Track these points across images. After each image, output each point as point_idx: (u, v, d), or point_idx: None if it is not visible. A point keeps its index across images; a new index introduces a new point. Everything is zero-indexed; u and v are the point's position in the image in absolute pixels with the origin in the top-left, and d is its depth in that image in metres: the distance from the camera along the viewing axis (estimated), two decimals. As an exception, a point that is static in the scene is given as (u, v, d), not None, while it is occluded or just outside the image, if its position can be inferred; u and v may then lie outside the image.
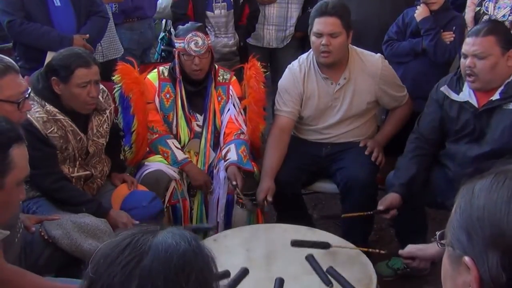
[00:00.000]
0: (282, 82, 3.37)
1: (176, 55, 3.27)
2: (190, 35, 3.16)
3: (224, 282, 2.11)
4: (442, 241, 1.02)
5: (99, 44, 4.06)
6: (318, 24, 3.11)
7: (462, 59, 2.75)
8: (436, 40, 3.47)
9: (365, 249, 2.57)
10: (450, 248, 0.97)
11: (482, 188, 0.93)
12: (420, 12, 3.54)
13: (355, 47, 3.31)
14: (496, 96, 2.72)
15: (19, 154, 1.69)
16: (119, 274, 0.97)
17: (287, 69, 3.39)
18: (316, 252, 2.48)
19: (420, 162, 2.98)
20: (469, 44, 2.70)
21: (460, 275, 0.94)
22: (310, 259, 2.43)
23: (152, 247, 1.00)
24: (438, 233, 1.03)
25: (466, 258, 0.91)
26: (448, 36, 3.50)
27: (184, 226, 3.08)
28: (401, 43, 3.64)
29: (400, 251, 2.38)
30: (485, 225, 0.90)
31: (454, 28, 3.51)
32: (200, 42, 3.16)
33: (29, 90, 2.29)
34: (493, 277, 0.87)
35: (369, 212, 2.94)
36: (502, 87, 2.71)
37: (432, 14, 3.52)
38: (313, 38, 3.16)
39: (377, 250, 2.60)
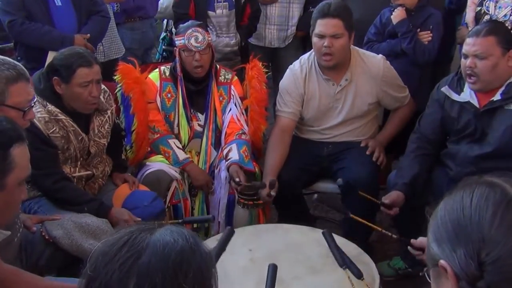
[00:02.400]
0: (283, 82, 3.36)
1: (177, 53, 3.26)
2: (190, 31, 3.16)
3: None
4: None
5: (101, 43, 4.06)
6: (320, 26, 3.10)
7: (462, 59, 2.75)
8: (414, 42, 3.48)
9: (379, 229, 2.64)
10: (430, 267, 1.05)
11: (442, 202, 1.05)
12: (396, 15, 3.54)
13: (357, 48, 3.30)
14: (497, 97, 2.72)
15: (20, 153, 1.68)
16: (117, 272, 0.97)
17: (288, 70, 3.38)
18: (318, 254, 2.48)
19: (422, 162, 2.98)
20: (469, 45, 2.70)
21: (442, 286, 1.01)
22: (326, 235, 2.44)
23: (149, 245, 1.00)
24: (425, 269, 1.10)
25: (441, 261, 0.99)
26: (426, 36, 3.50)
27: (183, 220, 3.07)
28: (381, 44, 3.65)
29: (412, 240, 2.38)
30: (447, 226, 1.00)
31: (431, 27, 3.52)
32: (200, 37, 3.15)
33: (35, 98, 2.30)
34: (464, 268, 0.95)
35: (376, 201, 2.92)
36: (503, 88, 2.71)
37: (412, 13, 3.53)
38: (315, 40, 3.15)
39: (389, 233, 2.60)
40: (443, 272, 0.99)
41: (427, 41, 3.50)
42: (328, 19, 3.08)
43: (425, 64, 3.58)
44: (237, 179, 3.04)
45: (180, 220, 3.05)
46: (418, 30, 3.52)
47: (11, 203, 1.73)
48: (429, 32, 3.51)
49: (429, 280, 1.08)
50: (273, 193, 3.01)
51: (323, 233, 2.48)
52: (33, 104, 2.25)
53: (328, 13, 3.08)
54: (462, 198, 1.01)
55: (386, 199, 2.87)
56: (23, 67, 2.24)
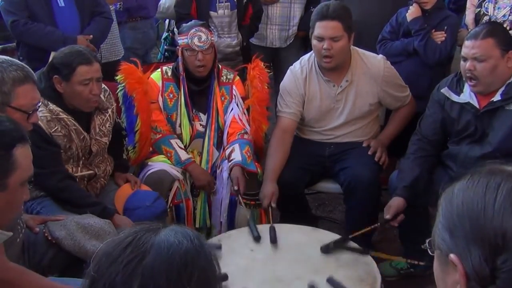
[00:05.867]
0: (284, 83, 3.36)
1: (179, 52, 3.26)
2: (193, 30, 3.16)
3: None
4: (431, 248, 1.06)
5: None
6: (319, 28, 3.09)
7: (462, 62, 2.75)
8: (426, 40, 3.47)
9: (403, 260, 2.66)
10: (438, 251, 1.00)
11: (460, 188, 0.98)
12: (411, 12, 3.53)
13: (357, 48, 3.29)
14: (497, 97, 2.72)
15: (23, 154, 1.68)
16: (121, 273, 0.97)
17: (288, 71, 3.38)
18: (320, 254, 2.48)
19: (423, 164, 2.98)
20: (468, 47, 2.70)
21: (449, 274, 0.97)
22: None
23: (154, 246, 1.00)
24: (427, 240, 1.06)
25: (452, 255, 0.94)
26: (439, 36, 3.49)
27: None
28: (394, 42, 3.64)
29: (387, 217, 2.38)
30: (465, 221, 0.94)
31: (445, 28, 3.50)
32: (203, 37, 3.16)
33: (40, 102, 2.31)
34: (477, 270, 0.90)
35: (376, 225, 2.91)
36: (503, 88, 2.71)
37: (426, 13, 3.52)
38: (314, 42, 3.14)
39: (416, 262, 2.57)
40: (452, 264, 0.95)
41: (440, 41, 3.49)
42: (327, 21, 3.06)
43: (436, 64, 3.56)
44: (235, 188, 3.05)
45: None
46: (433, 30, 3.51)
47: (13, 203, 1.73)
48: (443, 32, 3.49)
49: (430, 253, 1.04)
50: (273, 205, 3.01)
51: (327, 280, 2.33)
52: (37, 108, 2.26)
53: (327, 15, 3.06)
54: (484, 194, 0.94)
55: (387, 214, 2.85)
56: (31, 70, 2.24)
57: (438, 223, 1.00)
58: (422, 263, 2.58)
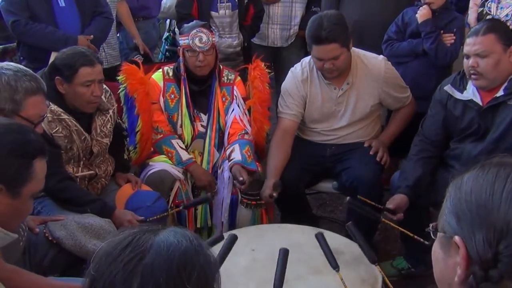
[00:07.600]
0: (285, 85, 3.35)
1: (180, 53, 3.26)
2: (194, 31, 3.16)
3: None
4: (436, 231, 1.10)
5: (103, 49, 4.05)
6: (317, 52, 3.05)
7: (464, 60, 2.75)
8: (437, 43, 3.46)
9: (410, 234, 2.59)
10: (441, 233, 1.04)
11: (470, 177, 1.02)
12: (422, 14, 3.50)
13: (357, 50, 3.27)
14: (500, 93, 2.72)
15: (40, 166, 1.73)
16: (121, 272, 0.98)
17: (289, 72, 3.37)
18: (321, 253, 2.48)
19: (426, 164, 2.97)
20: (470, 44, 2.70)
21: (451, 257, 1.00)
22: (319, 237, 2.42)
23: (153, 245, 1.01)
24: (431, 224, 1.11)
25: (456, 237, 0.97)
26: (449, 39, 3.48)
27: (184, 205, 3.03)
28: (401, 43, 3.62)
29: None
30: (472, 206, 0.98)
31: (454, 30, 3.50)
32: (204, 38, 3.15)
33: (46, 114, 2.34)
34: (480, 254, 0.94)
35: (379, 206, 2.91)
36: (505, 83, 2.71)
37: (435, 13, 3.50)
38: (314, 59, 3.13)
39: (421, 240, 2.57)
40: (455, 246, 0.98)
41: (450, 43, 3.48)
42: (324, 45, 3.00)
43: (444, 66, 3.56)
44: (240, 178, 3.04)
45: (181, 207, 3.02)
46: (441, 31, 3.50)
47: (20, 213, 1.77)
48: (452, 34, 3.48)
49: (433, 237, 1.07)
50: (275, 194, 3.01)
51: (316, 235, 2.43)
52: (43, 119, 2.29)
53: (322, 39, 2.98)
54: (493, 183, 0.97)
55: (390, 204, 2.85)
56: (43, 81, 2.27)
57: (445, 208, 1.04)
58: (427, 243, 2.57)
